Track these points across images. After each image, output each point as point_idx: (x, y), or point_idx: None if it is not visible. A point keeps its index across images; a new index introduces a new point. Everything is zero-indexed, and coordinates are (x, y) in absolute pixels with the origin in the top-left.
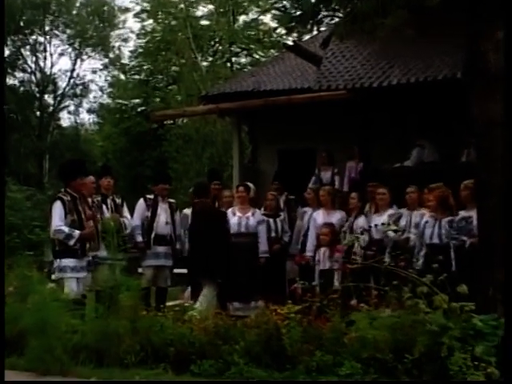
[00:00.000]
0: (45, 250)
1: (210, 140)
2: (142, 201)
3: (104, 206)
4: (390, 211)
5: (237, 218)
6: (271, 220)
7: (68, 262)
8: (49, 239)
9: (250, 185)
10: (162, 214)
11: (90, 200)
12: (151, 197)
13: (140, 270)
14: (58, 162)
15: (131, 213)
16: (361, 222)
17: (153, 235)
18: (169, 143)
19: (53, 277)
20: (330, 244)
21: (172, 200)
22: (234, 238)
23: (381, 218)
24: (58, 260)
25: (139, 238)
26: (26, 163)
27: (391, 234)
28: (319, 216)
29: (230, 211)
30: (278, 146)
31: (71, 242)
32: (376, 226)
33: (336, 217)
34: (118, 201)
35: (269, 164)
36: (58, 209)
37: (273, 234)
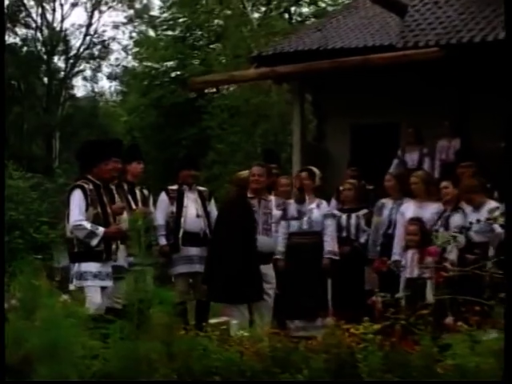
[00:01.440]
0: (54, 254)
1: (264, 113)
2: (163, 195)
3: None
4: (491, 204)
5: (297, 211)
6: (344, 216)
7: (89, 266)
8: (63, 239)
9: (315, 170)
10: (191, 206)
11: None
12: (174, 187)
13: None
14: (71, 142)
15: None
16: (457, 218)
17: (181, 233)
18: (211, 117)
19: (70, 286)
20: (419, 245)
21: (202, 188)
22: (293, 238)
23: (479, 215)
24: (77, 265)
25: (163, 241)
26: (31, 143)
27: (498, 228)
28: (409, 209)
29: (290, 203)
30: (350, 119)
31: (94, 242)
32: (477, 221)
33: (430, 210)
34: (146, 192)
35: (339, 143)
36: (77, 199)
37: (343, 234)
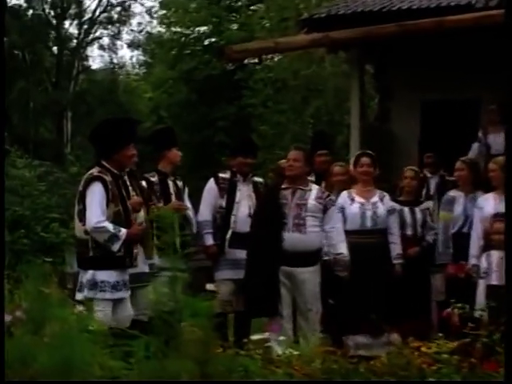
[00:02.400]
0: (66, 256)
1: (316, 88)
2: (212, 183)
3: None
4: None
5: (357, 205)
6: (406, 209)
7: (106, 275)
8: (75, 239)
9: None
10: (244, 202)
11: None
12: (226, 176)
13: (211, 287)
14: (86, 123)
15: (196, 201)
16: None
17: (229, 234)
18: (252, 93)
19: (78, 296)
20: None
21: (259, 179)
22: (351, 237)
23: None
24: (91, 272)
25: (209, 240)
26: (38, 125)
27: None
28: (489, 203)
29: (344, 195)
30: (420, 95)
31: (116, 247)
32: None
33: None
34: (180, 183)
35: (406, 123)
36: (98, 195)
37: (408, 232)
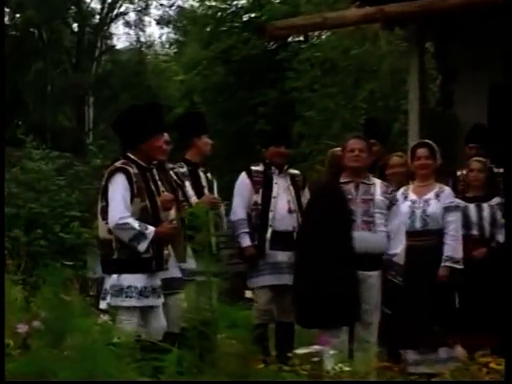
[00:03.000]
0: (88, 260)
1: (369, 69)
2: (244, 177)
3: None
4: None
5: (408, 204)
6: (471, 206)
7: (134, 279)
8: (98, 240)
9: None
10: (282, 196)
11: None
12: (259, 169)
13: (250, 294)
14: (110, 109)
15: (226, 196)
16: None
17: (268, 233)
18: (297, 75)
19: (102, 304)
20: None
21: (295, 171)
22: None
23: None
24: (115, 277)
25: (246, 241)
26: (57, 112)
27: None
28: None
29: (400, 192)
30: (488, 76)
31: (142, 246)
32: None
33: None
34: (209, 175)
35: (472, 108)
36: (121, 188)
37: (474, 232)
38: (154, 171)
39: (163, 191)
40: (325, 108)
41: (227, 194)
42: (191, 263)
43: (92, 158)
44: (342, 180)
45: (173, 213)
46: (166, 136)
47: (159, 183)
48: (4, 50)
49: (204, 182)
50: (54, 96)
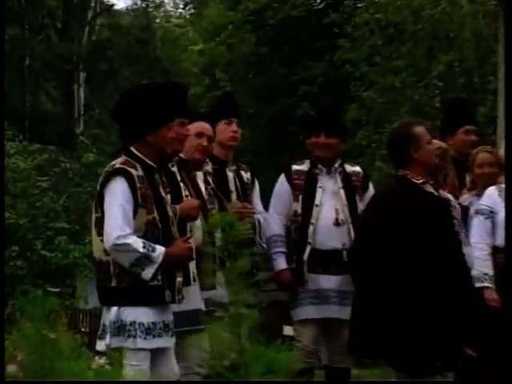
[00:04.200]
0: (78, 286)
1: (446, 36)
2: (282, 180)
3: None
4: None
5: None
6: None
7: (138, 314)
8: (93, 261)
9: None
10: (328, 204)
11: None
12: (302, 168)
13: (290, 330)
14: (106, 90)
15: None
16: None
17: (307, 252)
18: (352, 44)
19: (99, 345)
20: None
21: (355, 167)
22: (499, 255)
23: None
24: (116, 310)
25: (281, 263)
26: (37, 92)
27: None
28: None
29: (494, 193)
30: None
31: (147, 274)
32: None
33: None
34: (246, 176)
35: None
36: (120, 196)
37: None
38: (175, 169)
39: (187, 196)
40: (388, 87)
41: (262, 200)
42: (221, 292)
43: (83, 153)
44: (415, 179)
45: (199, 224)
46: (201, 126)
47: (182, 185)
48: (4, 49)
49: (232, 185)
50: (33, 71)
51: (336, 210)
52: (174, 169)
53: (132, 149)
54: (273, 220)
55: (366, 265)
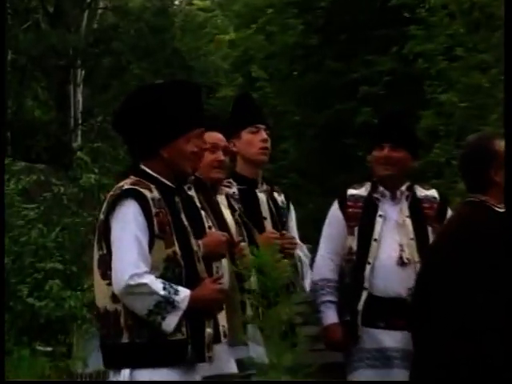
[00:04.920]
0: (75, 344)
1: None
2: (335, 209)
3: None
4: None
5: None
6: None
7: (157, 376)
8: (95, 312)
9: None
10: (390, 238)
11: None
12: (361, 192)
13: None
14: (112, 91)
15: (308, 236)
16: None
17: (362, 301)
18: (426, 32)
19: None
20: None
21: (428, 191)
22: None
23: None
24: (128, 372)
25: (329, 316)
26: (23, 94)
27: None
28: None
29: None
30: None
31: (170, 323)
32: None
33: None
34: (280, 198)
35: None
36: (133, 225)
37: None
38: (192, 192)
39: (210, 227)
40: (473, 87)
41: (310, 232)
42: (255, 350)
43: (82, 173)
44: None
45: (225, 264)
46: (213, 136)
47: (202, 213)
48: (5, 49)
49: (265, 211)
50: (18, 68)
51: (400, 246)
52: (192, 192)
53: (143, 167)
54: (321, 259)
55: (431, 306)
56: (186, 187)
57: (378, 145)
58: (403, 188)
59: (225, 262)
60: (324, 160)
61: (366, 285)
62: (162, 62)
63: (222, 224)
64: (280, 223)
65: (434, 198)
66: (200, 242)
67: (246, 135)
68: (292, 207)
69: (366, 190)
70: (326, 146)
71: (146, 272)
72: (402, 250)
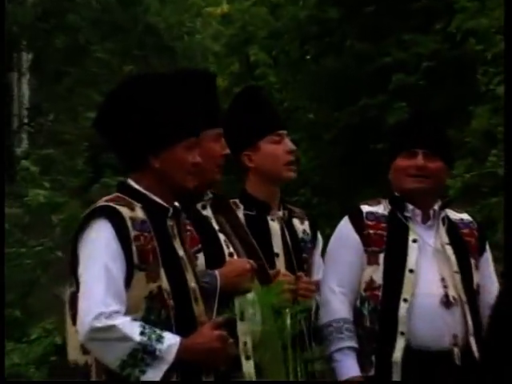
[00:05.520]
0: None
1: None
2: (348, 229)
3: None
4: None
5: None
6: None
7: None
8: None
9: None
10: (430, 270)
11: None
12: (378, 210)
13: None
14: (72, 81)
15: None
16: None
17: (398, 351)
18: (479, 4)
19: None
20: None
21: (461, 214)
22: None
23: None
24: None
25: (351, 367)
26: None
27: None
28: None
29: None
30: None
31: (150, 378)
32: None
33: None
34: (302, 227)
35: None
36: (101, 252)
37: None
38: (208, 212)
39: (231, 254)
40: None
41: None
42: None
43: (28, 187)
44: None
45: (251, 298)
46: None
47: (221, 236)
48: (4, 50)
49: (278, 246)
50: None
51: (443, 281)
52: (207, 212)
53: (130, 180)
54: (332, 294)
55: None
56: (200, 206)
57: (406, 150)
58: (436, 207)
59: (251, 296)
60: (345, 172)
61: (403, 329)
62: (132, 43)
63: (250, 251)
64: (297, 261)
65: (471, 222)
66: (216, 272)
67: (266, 146)
68: (320, 238)
69: (384, 208)
70: (348, 152)
71: (116, 312)
72: (445, 286)
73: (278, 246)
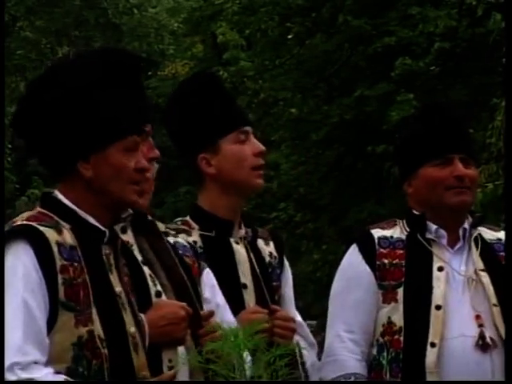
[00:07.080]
0: None
1: None
2: (357, 259)
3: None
4: None
5: None
6: None
7: None
8: None
9: None
10: (463, 306)
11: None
12: (393, 234)
13: None
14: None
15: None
16: None
17: None
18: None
19: None
20: None
21: (497, 233)
22: None
23: None
24: None
25: None
26: None
27: None
28: None
29: None
30: None
31: None
32: None
33: None
34: (268, 249)
35: None
36: (18, 285)
37: None
38: (129, 236)
39: (159, 293)
40: None
41: (313, 296)
42: None
43: None
44: None
45: (182, 352)
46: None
47: (145, 270)
48: (4, 50)
49: (246, 275)
50: None
51: (478, 318)
52: (128, 236)
53: (56, 192)
54: (340, 345)
55: None
56: (118, 228)
57: (436, 156)
58: (466, 226)
59: (183, 350)
60: (337, 181)
61: (431, 379)
62: (68, 20)
63: (179, 286)
64: (268, 291)
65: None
66: (143, 316)
67: (228, 147)
68: (287, 263)
69: (401, 231)
70: (340, 157)
71: (35, 362)
72: (481, 325)
73: (245, 275)
